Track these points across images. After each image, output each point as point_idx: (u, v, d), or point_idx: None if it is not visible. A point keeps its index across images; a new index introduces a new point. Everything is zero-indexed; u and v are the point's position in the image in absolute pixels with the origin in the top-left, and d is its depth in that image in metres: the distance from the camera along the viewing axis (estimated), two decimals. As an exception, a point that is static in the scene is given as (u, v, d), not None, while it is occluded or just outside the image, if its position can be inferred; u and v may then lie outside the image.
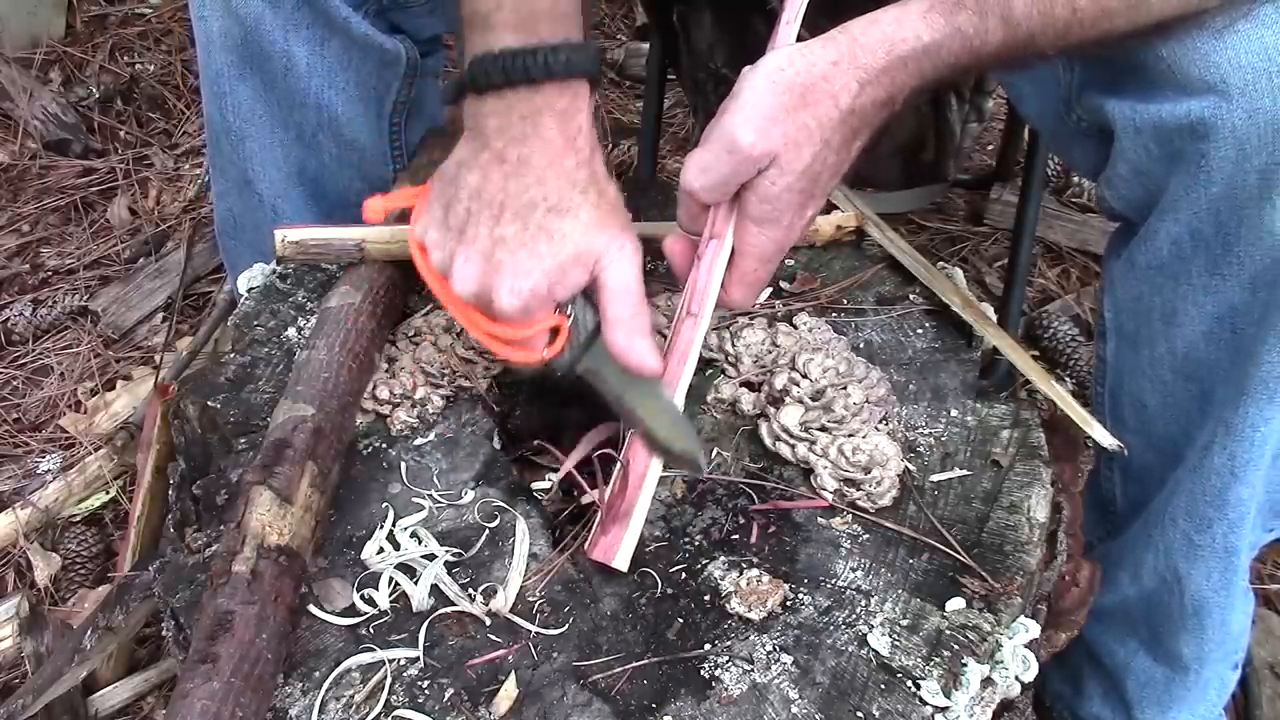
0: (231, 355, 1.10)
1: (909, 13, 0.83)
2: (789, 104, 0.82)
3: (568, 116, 0.87)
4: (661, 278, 1.15)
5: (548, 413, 1.11)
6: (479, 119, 0.88)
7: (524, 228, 0.86)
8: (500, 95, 0.86)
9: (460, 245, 0.88)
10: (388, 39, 1.25)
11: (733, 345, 1.07)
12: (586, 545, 0.92)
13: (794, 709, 0.81)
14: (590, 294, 0.91)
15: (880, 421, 1.00)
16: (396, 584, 0.90)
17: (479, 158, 0.88)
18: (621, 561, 0.90)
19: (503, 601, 0.89)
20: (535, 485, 1.03)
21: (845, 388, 1.00)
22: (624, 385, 0.91)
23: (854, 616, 0.88)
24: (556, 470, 1.04)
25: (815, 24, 0.93)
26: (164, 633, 1.07)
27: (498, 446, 1.04)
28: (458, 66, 0.90)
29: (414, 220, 0.94)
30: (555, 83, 0.86)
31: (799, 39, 0.93)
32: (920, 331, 1.13)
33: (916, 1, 0.83)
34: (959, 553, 0.92)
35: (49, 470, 1.76)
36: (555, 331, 0.90)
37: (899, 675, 0.84)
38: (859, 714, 0.81)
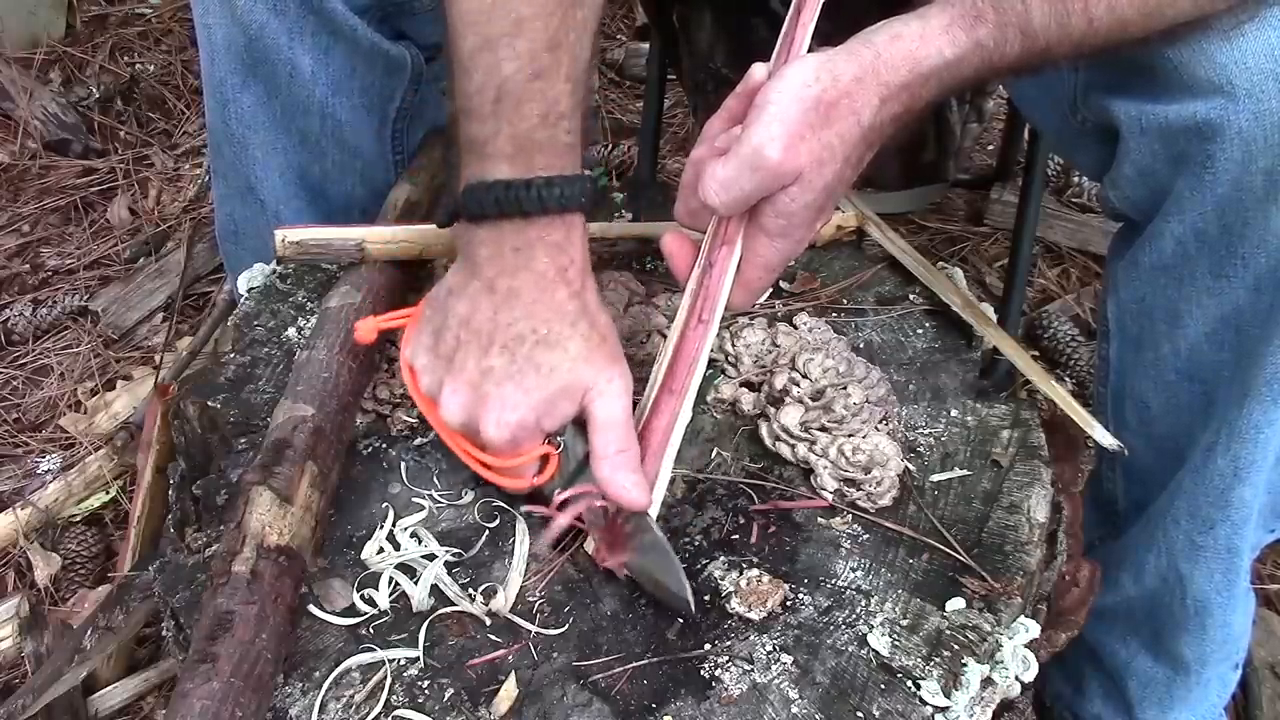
0: (231, 355, 1.10)
1: (931, 28, 0.82)
2: (815, 121, 0.81)
3: (560, 249, 0.87)
4: (661, 277, 1.16)
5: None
6: (470, 247, 0.88)
7: (511, 360, 0.86)
8: (492, 225, 0.86)
9: (448, 375, 0.88)
10: (393, 46, 1.25)
11: (733, 345, 1.07)
12: (591, 549, 0.92)
13: (794, 709, 0.81)
14: (580, 424, 0.90)
15: (880, 421, 1.00)
16: (396, 584, 0.90)
17: (469, 286, 0.88)
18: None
19: (503, 601, 0.89)
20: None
21: (845, 388, 1.00)
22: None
23: (854, 616, 0.88)
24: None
25: (817, 25, 0.94)
26: (164, 633, 1.07)
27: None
28: (449, 187, 0.90)
29: (405, 342, 0.94)
30: (548, 215, 0.85)
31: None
32: (920, 331, 1.13)
33: (937, 15, 0.83)
34: (959, 553, 0.92)
35: (49, 470, 1.76)
36: (545, 459, 0.90)
37: (899, 675, 0.84)
38: (859, 714, 0.81)
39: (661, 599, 0.89)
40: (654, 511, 0.90)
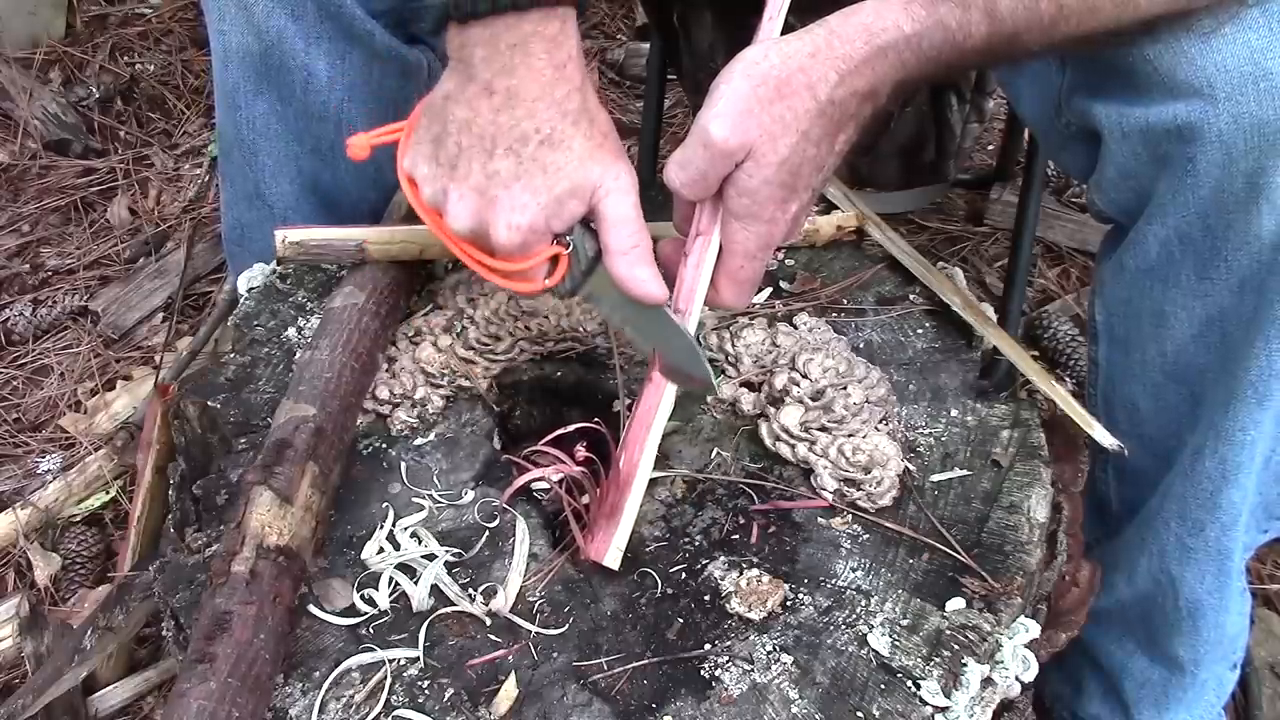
0: (231, 355, 1.10)
1: (889, 4, 0.82)
2: (764, 96, 0.81)
3: (557, 44, 0.85)
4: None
5: (548, 413, 1.11)
6: (464, 50, 0.85)
7: (518, 161, 0.85)
8: (485, 23, 0.83)
9: (452, 181, 0.87)
10: (409, 50, 1.25)
11: (733, 345, 1.07)
12: (579, 540, 0.92)
13: (794, 709, 0.81)
14: (589, 222, 0.90)
15: (880, 421, 1.00)
16: (396, 584, 0.90)
17: (466, 90, 0.86)
18: (612, 560, 0.90)
19: (503, 601, 0.89)
20: (535, 485, 1.03)
21: (845, 388, 1.00)
22: (627, 311, 0.91)
23: (854, 616, 0.88)
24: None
25: (805, 20, 0.93)
26: (164, 633, 1.07)
27: (498, 446, 1.04)
28: None
29: (401, 154, 0.92)
30: (542, 9, 0.83)
31: (790, 30, 0.92)
32: (920, 331, 1.13)
33: None
34: (959, 553, 0.92)
35: (49, 470, 1.75)
36: (554, 260, 0.90)
37: (899, 675, 0.84)
38: (859, 714, 0.81)
39: (687, 386, 0.93)
40: (637, 502, 0.90)
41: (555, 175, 0.85)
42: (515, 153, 0.85)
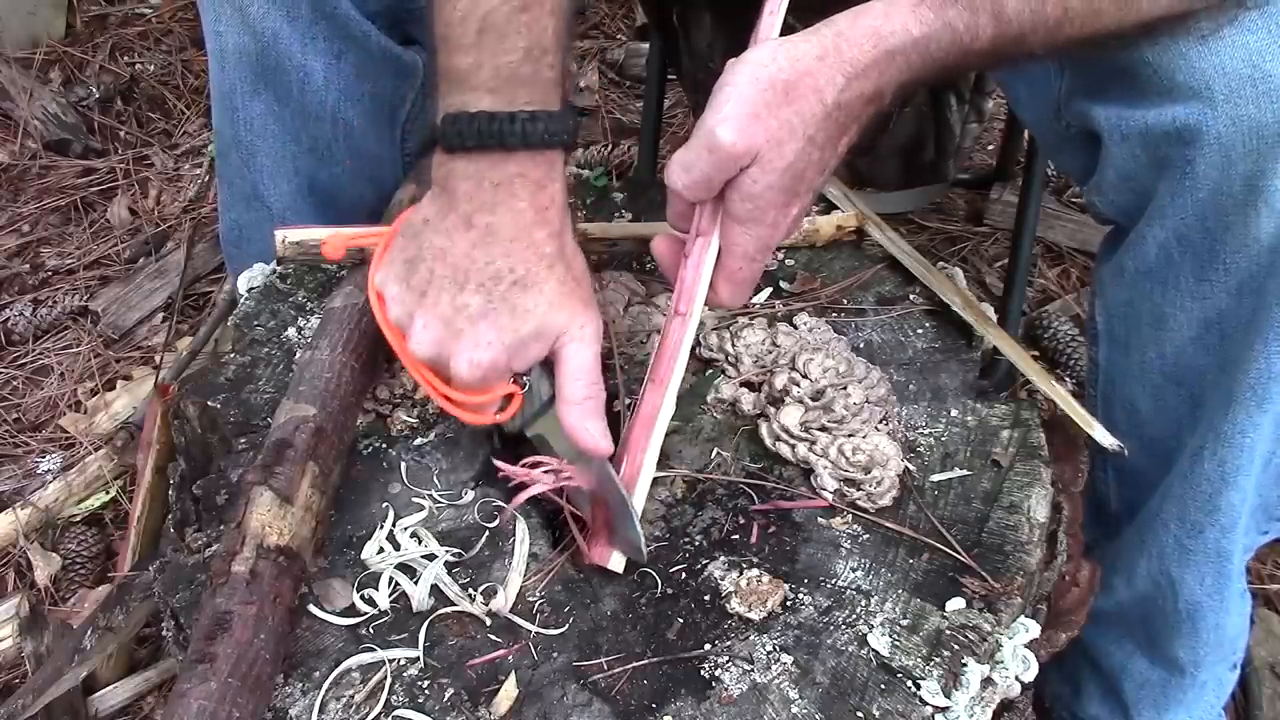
0: (231, 355, 1.10)
1: (898, 6, 0.81)
2: (771, 100, 0.80)
3: (540, 186, 0.86)
4: (661, 277, 1.16)
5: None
6: (448, 180, 0.86)
7: (487, 299, 0.85)
8: (472, 158, 0.84)
9: (420, 308, 0.87)
10: (404, 51, 1.25)
11: (733, 345, 1.07)
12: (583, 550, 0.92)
13: (794, 709, 0.81)
14: (547, 364, 0.90)
15: (880, 421, 1.00)
16: (396, 584, 0.90)
17: (446, 219, 0.86)
18: (616, 563, 0.90)
19: (503, 601, 0.89)
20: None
21: (845, 388, 1.00)
22: (571, 457, 0.91)
23: (854, 616, 0.88)
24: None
25: (804, 19, 0.93)
26: (164, 633, 1.07)
27: (498, 446, 1.04)
28: (430, 102, 0.89)
29: (374, 268, 0.93)
30: (529, 150, 0.84)
31: (790, 31, 0.92)
32: (920, 331, 1.13)
33: None
34: (959, 553, 0.92)
35: (49, 470, 1.76)
36: (509, 397, 0.91)
37: (899, 675, 0.84)
38: (859, 714, 0.81)
39: (621, 547, 0.90)
40: (640, 502, 0.91)
41: (522, 317, 0.86)
42: (486, 290, 0.85)
